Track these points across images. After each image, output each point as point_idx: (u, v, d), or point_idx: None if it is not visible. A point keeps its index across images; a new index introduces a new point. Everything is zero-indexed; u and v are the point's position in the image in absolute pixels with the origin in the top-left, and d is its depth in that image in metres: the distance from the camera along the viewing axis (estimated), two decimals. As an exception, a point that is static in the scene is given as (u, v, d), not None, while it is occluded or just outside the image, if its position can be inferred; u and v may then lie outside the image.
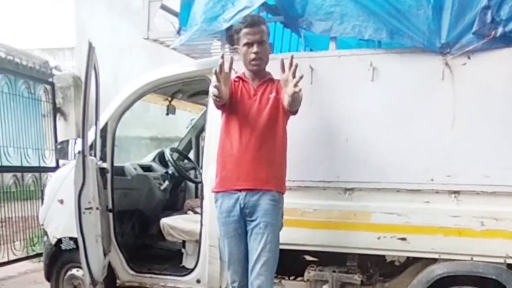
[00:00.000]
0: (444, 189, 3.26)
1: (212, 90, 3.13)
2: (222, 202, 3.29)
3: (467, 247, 3.21)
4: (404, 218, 3.33)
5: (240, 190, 3.21)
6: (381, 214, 3.38)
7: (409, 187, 3.33)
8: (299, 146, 3.50)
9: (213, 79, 3.07)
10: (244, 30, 3.25)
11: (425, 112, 3.31)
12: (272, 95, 3.27)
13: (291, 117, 3.32)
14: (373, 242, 3.40)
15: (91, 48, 4.01)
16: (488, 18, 3.11)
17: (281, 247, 3.39)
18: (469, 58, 3.21)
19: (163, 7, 4.20)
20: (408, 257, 3.57)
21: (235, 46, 3.41)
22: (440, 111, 3.26)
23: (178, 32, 4.00)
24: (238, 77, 3.38)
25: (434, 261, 3.34)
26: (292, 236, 3.51)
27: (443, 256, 3.28)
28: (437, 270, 3.30)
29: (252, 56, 3.24)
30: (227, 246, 3.31)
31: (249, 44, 3.23)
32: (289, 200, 3.51)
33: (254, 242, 3.20)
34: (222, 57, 3.10)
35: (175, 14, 4.16)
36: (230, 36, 3.91)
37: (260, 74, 3.35)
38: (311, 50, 4.11)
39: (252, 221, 3.22)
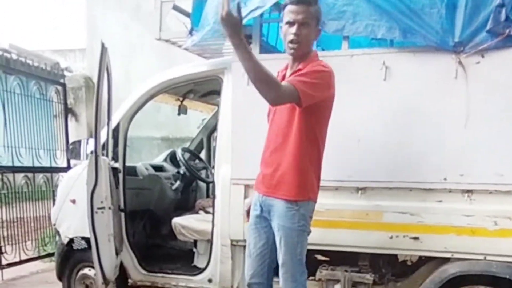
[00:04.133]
0: (457, 188, 3.24)
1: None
2: (253, 195, 3.21)
3: (480, 246, 3.19)
4: (416, 218, 3.32)
5: (260, 193, 3.11)
6: (393, 213, 3.37)
7: (421, 186, 3.32)
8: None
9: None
10: (288, 7, 2.91)
11: (438, 111, 3.29)
12: None
13: None
14: (385, 242, 3.39)
15: (103, 49, 4.03)
16: (503, 16, 3.09)
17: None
18: (482, 56, 3.18)
19: (175, 8, 4.21)
20: (420, 257, 3.56)
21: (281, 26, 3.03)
22: (453, 110, 3.24)
23: (190, 33, 4.02)
24: (284, 68, 3.11)
25: (446, 260, 3.32)
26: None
27: (456, 256, 3.27)
28: (450, 270, 3.28)
29: (291, 37, 2.89)
30: (248, 237, 3.20)
31: (290, 23, 2.89)
32: (301, 199, 3.55)
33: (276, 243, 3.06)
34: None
35: (187, 14, 4.17)
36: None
37: (300, 61, 2.98)
38: (323, 49, 4.11)
39: (271, 221, 3.07)
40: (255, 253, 3.15)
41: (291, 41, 2.91)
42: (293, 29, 2.88)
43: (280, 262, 3.01)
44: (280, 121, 2.98)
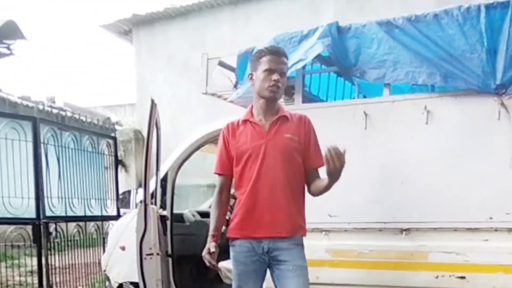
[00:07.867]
0: (503, 227, 3.22)
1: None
2: (241, 244, 3.17)
3: None
4: (463, 257, 3.29)
5: (262, 238, 3.07)
6: (438, 253, 3.35)
7: (467, 226, 3.31)
8: (355, 188, 3.55)
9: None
10: (268, 57, 3.06)
11: (482, 151, 3.30)
12: (289, 136, 3.09)
13: (348, 160, 3.42)
14: (431, 281, 3.35)
15: (153, 105, 4.24)
16: (542, 58, 3.12)
17: (339, 288, 3.40)
18: None
19: (221, 64, 4.38)
20: (468, 296, 3.51)
21: (251, 73, 3.19)
22: (497, 150, 3.25)
23: (235, 86, 4.17)
24: (244, 120, 3.16)
25: (495, 299, 3.27)
26: (349, 277, 3.53)
27: (504, 295, 3.22)
28: (499, 310, 3.22)
29: (272, 82, 3.02)
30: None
31: (270, 71, 3.03)
32: (346, 241, 3.59)
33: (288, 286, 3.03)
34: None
35: (231, 69, 4.34)
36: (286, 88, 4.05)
37: (272, 108, 3.14)
38: (364, 96, 4.21)
39: (280, 264, 3.06)
40: None
41: (272, 86, 3.03)
42: (275, 76, 3.03)
43: None
44: (276, 163, 3.08)
